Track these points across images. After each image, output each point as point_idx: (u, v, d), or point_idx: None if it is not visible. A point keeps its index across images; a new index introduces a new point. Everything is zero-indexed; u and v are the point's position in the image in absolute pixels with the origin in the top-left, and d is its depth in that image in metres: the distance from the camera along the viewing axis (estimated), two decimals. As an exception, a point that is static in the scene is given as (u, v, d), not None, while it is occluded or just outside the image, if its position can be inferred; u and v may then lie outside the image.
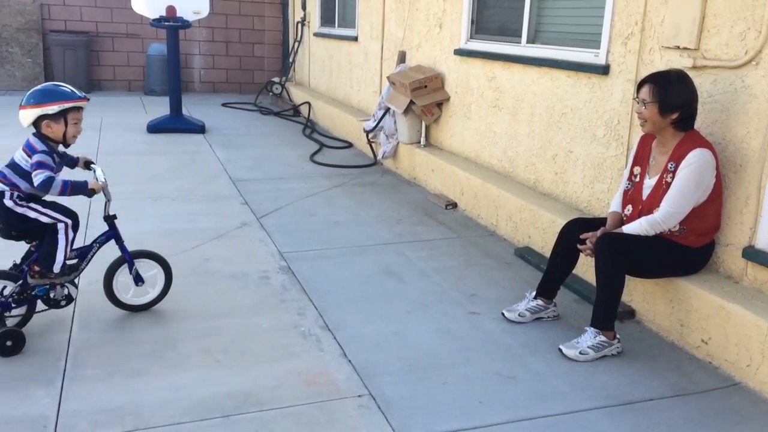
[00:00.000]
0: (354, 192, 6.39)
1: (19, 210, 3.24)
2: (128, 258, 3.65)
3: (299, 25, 11.14)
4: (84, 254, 3.55)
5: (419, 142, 6.76)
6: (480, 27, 6.05)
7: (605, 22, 4.39)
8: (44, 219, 3.32)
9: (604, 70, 4.39)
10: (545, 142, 5.06)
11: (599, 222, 3.72)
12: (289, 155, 7.82)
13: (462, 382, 3.16)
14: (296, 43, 11.30)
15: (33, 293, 3.38)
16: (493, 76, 5.67)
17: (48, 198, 3.38)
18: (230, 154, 7.72)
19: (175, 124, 8.69)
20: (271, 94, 11.47)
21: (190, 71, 12.12)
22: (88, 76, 11.41)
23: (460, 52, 6.13)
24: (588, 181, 4.63)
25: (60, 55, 11.07)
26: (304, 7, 10.99)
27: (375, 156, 7.53)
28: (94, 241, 3.60)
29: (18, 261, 3.48)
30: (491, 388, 3.12)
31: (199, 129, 8.75)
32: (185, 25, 8.46)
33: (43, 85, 3.37)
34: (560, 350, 3.46)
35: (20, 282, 3.33)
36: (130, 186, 6.16)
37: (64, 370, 3.11)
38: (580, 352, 3.41)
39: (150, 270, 3.77)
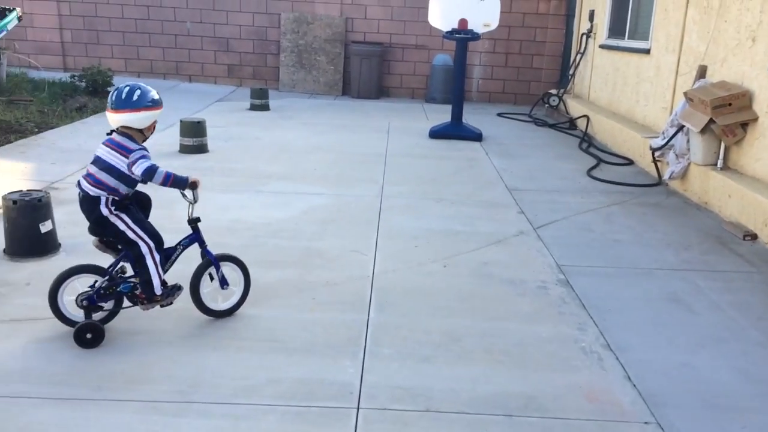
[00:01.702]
0: (635, 211, 6.11)
1: (112, 219, 3.31)
2: (214, 261, 3.61)
3: (584, 36, 10.94)
4: (168, 256, 3.55)
5: (715, 164, 6.22)
6: (805, 40, 5.38)
7: None
8: (130, 233, 3.34)
9: None
10: None
11: None
12: (565, 168, 7.73)
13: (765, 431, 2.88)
14: (578, 55, 11.11)
15: (118, 289, 3.42)
16: (819, 96, 5.01)
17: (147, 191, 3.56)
18: (506, 163, 7.87)
19: (454, 131, 9.11)
20: (547, 105, 11.43)
21: (469, 81, 12.58)
22: (378, 83, 12.47)
23: (776, 69, 5.52)
24: None
25: (357, 63, 12.25)
26: (591, 19, 10.76)
27: (660, 175, 7.11)
28: (178, 244, 3.59)
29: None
30: (802, 444, 2.79)
31: (477, 137, 9.05)
32: (475, 37, 8.82)
33: (141, 86, 3.45)
34: None
35: (107, 277, 3.40)
36: (413, 186, 6.61)
37: (365, 346, 3.47)
38: None
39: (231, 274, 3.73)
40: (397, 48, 12.64)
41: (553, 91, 11.65)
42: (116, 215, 3.33)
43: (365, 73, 12.28)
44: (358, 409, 2.93)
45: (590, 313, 3.98)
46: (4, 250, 4.41)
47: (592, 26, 10.74)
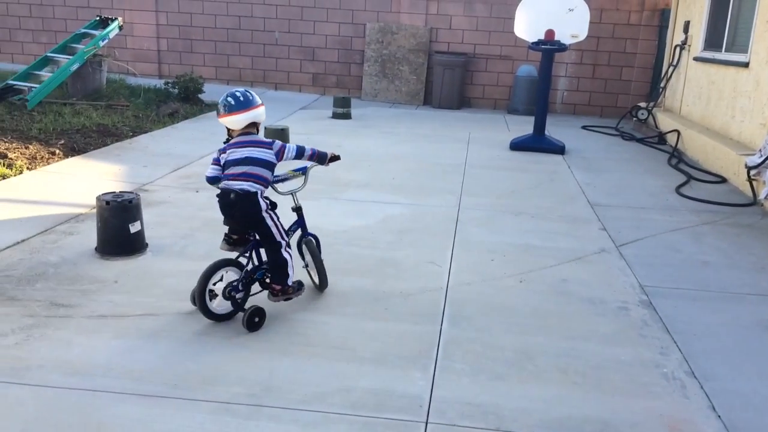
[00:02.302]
0: (726, 232, 5.79)
1: (266, 216, 3.60)
2: (316, 238, 4.12)
3: (677, 48, 10.51)
4: None
5: (818, 185, 5.83)
6: None
7: None
8: (275, 231, 3.64)
9: None
10: None
11: None
12: (652, 184, 7.43)
13: None
14: (671, 68, 10.68)
15: (255, 277, 3.75)
16: None
17: (285, 190, 3.93)
18: (589, 177, 7.64)
19: (536, 143, 8.94)
20: (634, 119, 11.04)
21: (553, 92, 12.33)
22: (460, 94, 12.41)
23: None
24: None
25: (440, 73, 12.24)
26: (686, 30, 10.33)
27: (755, 195, 6.71)
28: (289, 229, 3.90)
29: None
30: None
31: (559, 150, 8.85)
32: (562, 48, 8.64)
33: (244, 89, 3.70)
34: None
35: (245, 270, 3.68)
36: (492, 198, 6.52)
37: (436, 359, 3.43)
38: None
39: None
40: (481, 58, 12.55)
41: (642, 104, 11.25)
42: (269, 214, 3.64)
43: (447, 83, 12.24)
44: (426, 423, 2.89)
45: (674, 338, 3.79)
46: (96, 249, 4.64)
47: (686, 38, 10.31)
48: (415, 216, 5.85)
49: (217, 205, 3.67)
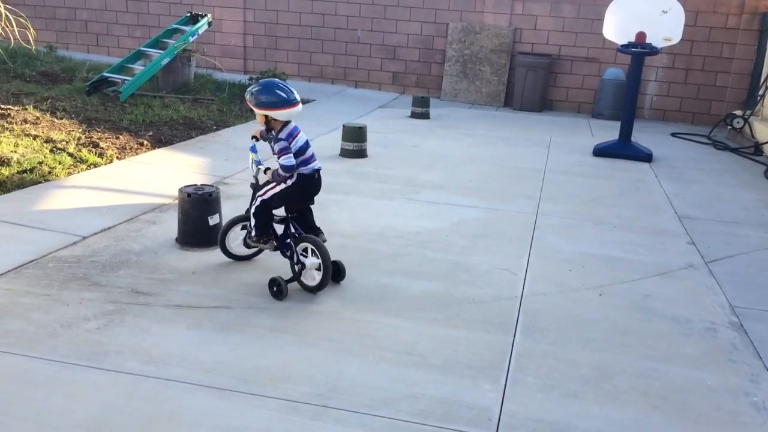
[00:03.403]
0: (829, 253, 5.38)
1: None
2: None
3: (779, 54, 9.88)
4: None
5: None
6: None
7: None
8: None
9: None
10: None
11: None
12: (746, 198, 7.01)
13: None
14: (771, 74, 10.06)
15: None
16: None
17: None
18: (677, 187, 7.28)
19: (622, 149, 8.60)
20: (729, 127, 10.47)
21: (642, 97, 11.84)
22: (543, 96, 12.11)
23: None
24: None
25: (522, 75, 11.99)
26: (789, 35, 9.70)
27: None
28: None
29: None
30: None
31: (646, 157, 8.48)
32: (653, 51, 8.27)
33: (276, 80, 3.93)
34: None
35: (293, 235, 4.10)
36: (572, 206, 6.30)
37: (508, 371, 3.33)
38: None
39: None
40: (566, 60, 12.20)
41: (738, 112, 10.64)
42: None
43: (529, 85, 11.97)
44: (495, 437, 2.80)
45: (766, 364, 3.54)
46: (176, 239, 4.76)
47: (790, 42, 9.67)
48: (491, 221, 5.72)
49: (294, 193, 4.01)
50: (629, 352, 3.60)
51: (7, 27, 9.09)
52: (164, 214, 5.29)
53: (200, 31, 10.65)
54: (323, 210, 5.66)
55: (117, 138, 7.44)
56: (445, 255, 4.85)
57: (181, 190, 4.73)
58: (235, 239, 4.42)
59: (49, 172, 6.02)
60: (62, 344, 3.29)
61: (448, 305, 4.03)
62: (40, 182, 5.80)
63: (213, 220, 4.72)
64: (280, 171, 3.88)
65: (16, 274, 4.04)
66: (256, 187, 4.15)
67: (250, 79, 11.21)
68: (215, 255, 4.55)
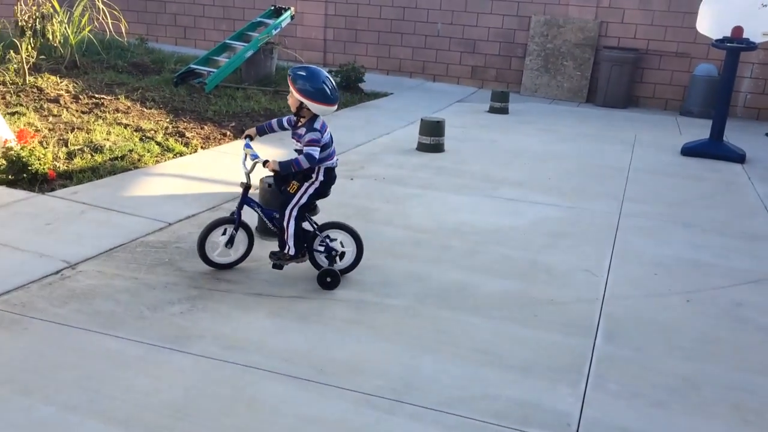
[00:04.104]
0: None
1: None
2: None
3: None
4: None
5: None
6: None
7: None
8: None
9: None
10: None
11: None
12: None
13: None
14: None
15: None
16: None
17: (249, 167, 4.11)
18: (773, 190, 6.88)
19: (713, 149, 8.19)
20: (832, 128, 9.80)
21: (735, 95, 11.23)
22: (628, 92, 11.69)
23: None
24: None
25: (607, 70, 11.60)
26: None
27: None
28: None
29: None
30: None
31: (739, 158, 8.04)
32: (750, 47, 7.82)
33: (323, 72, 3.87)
34: None
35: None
36: (658, 207, 6.04)
37: (588, 375, 3.22)
38: None
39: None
40: (654, 55, 11.73)
41: (843, 112, 9.95)
42: None
43: (614, 80, 11.58)
44: (574, 444, 2.72)
45: None
46: (256, 228, 4.85)
47: None
48: (571, 220, 5.56)
49: (334, 191, 4.10)
50: (719, 363, 3.42)
51: (103, 20, 9.52)
52: (245, 204, 5.41)
53: (283, 24, 10.84)
54: (399, 204, 5.66)
55: (202, 128, 7.66)
56: (523, 253, 4.75)
57: (262, 180, 4.81)
58: (215, 247, 4.07)
59: (139, 160, 6.27)
60: (149, 326, 3.41)
61: (526, 305, 3.95)
62: (130, 169, 6.04)
63: (292, 211, 4.78)
64: (302, 161, 3.79)
65: (107, 256, 4.22)
66: (248, 186, 4.02)
67: (329, 72, 11.33)
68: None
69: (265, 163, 3.81)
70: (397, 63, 13.28)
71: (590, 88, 12.07)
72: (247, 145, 4.03)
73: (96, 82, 9.19)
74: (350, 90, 10.92)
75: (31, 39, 8.18)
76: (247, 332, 3.43)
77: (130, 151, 6.43)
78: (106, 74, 9.77)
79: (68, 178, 5.65)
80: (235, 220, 4.04)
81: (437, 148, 7.65)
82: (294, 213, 3.90)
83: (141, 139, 6.92)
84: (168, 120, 7.86)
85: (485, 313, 3.80)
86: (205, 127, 7.70)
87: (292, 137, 4.00)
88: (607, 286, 4.27)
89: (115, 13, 9.59)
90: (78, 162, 5.99)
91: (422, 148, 7.66)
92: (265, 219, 4.15)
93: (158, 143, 6.84)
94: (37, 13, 8.09)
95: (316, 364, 3.17)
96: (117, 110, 7.95)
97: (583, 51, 11.98)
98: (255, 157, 3.92)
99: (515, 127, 9.43)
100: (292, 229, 3.91)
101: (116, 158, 6.21)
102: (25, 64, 8.32)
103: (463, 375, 3.16)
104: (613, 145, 8.58)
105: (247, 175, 4.02)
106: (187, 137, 7.19)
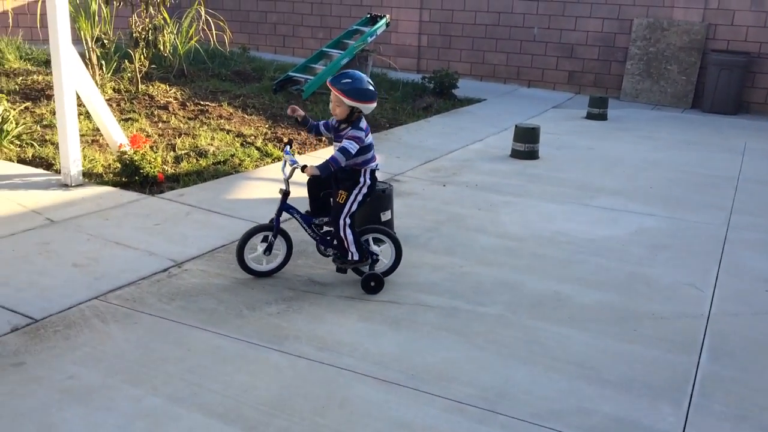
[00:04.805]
0: None
1: None
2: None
3: None
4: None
5: None
6: None
7: None
8: None
9: None
10: None
11: None
12: None
13: None
14: None
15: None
16: None
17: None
18: None
19: (833, 158, 7.62)
20: None
21: None
22: (738, 98, 11.06)
23: None
24: None
25: (714, 74, 11.03)
26: None
27: None
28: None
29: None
30: None
31: None
32: None
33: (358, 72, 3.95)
34: None
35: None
36: (771, 219, 5.70)
37: (691, 395, 3.08)
38: None
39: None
40: (767, 59, 11.05)
41: None
42: None
43: (723, 85, 10.99)
44: (674, 466, 2.60)
45: None
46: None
47: None
48: (674, 231, 5.33)
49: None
50: (838, 389, 3.18)
51: (208, 30, 9.98)
52: (339, 208, 5.52)
53: (378, 32, 10.98)
54: (491, 211, 5.61)
55: (299, 134, 7.88)
56: (622, 265, 4.60)
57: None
58: (253, 251, 4.09)
59: (240, 164, 6.53)
60: (247, 325, 3.55)
61: (625, 318, 3.81)
62: (232, 173, 6.30)
63: (385, 216, 4.84)
64: (338, 157, 3.76)
65: (210, 257, 4.42)
66: (287, 192, 3.99)
67: (423, 78, 11.38)
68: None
69: (303, 168, 3.78)
70: (491, 68, 13.16)
71: (696, 93, 11.52)
72: (287, 152, 4.05)
73: (201, 90, 9.64)
74: (443, 96, 10.92)
75: (144, 49, 8.68)
76: (340, 335, 3.50)
77: (232, 155, 6.71)
78: (210, 82, 10.23)
79: (175, 180, 5.96)
80: (273, 227, 4.04)
81: (531, 155, 7.52)
82: (348, 221, 3.91)
83: (242, 145, 7.20)
84: (267, 126, 8.13)
85: (581, 325, 3.71)
86: (302, 133, 7.92)
87: (336, 141, 3.95)
88: (714, 302, 4.06)
89: (221, 23, 10.02)
90: (184, 166, 6.31)
91: (516, 155, 7.56)
92: (304, 225, 4.06)
93: (258, 148, 7.09)
94: (150, 25, 8.58)
95: (408, 368, 3.20)
96: (220, 116, 8.30)
97: (689, 54, 11.44)
98: (294, 162, 3.90)
99: (614, 133, 9.13)
100: (350, 237, 3.92)
101: (219, 162, 6.49)
102: (138, 73, 8.84)
103: (557, 387, 3.09)
104: (720, 154, 8.14)
105: (286, 181, 3.99)
106: (285, 143, 7.41)
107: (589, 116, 10.16)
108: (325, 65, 10.45)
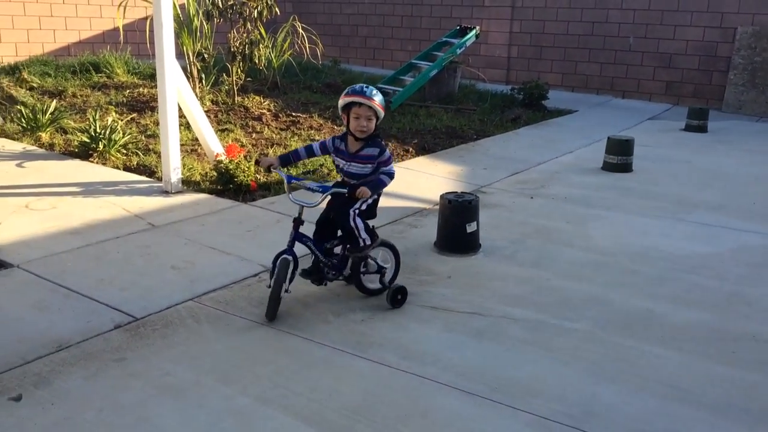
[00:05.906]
0: None
1: None
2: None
3: None
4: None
5: None
6: None
7: None
8: None
9: None
10: None
11: None
12: None
13: None
14: None
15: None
16: None
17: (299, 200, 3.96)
18: None
19: None
20: None
21: None
22: None
23: None
24: None
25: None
26: None
27: None
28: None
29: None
30: None
31: None
32: None
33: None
34: None
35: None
36: None
37: (795, 424, 2.89)
38: None
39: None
40: None
41: None
42: None
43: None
44: (774, 498, 2.45)
45: None
46: (435, 243, 4.96)
47: None
48: (779, 250, 5.03)
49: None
50: None
51: (302, 44, 10.29)
52: (424, 219, 5.55)
53: (468, 44, 10.98)
54: (580, 225, 5.48)
55: (386, 144, 7.98)
56: (720, 283, 4.38)
57: (442, 197, 4.92)
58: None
59: (328, 174, 6.68)
60: (333, 331, 3.63)
61: (722, 340, 3.63)
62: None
63: (471, 227, 4.83)
64: (386, 180, 3.85)
65: (298, 263, 4.55)
66: (301, 222, 3.82)
67: (512, 89, 11.26)
68: (471, 261, 4.65)
69: (352, 189, 3.65)
70: (584, 79, 12.87)
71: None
72: (297, 179, 3.97)
73: (293, 102, 9.94)
74: (533, 107, 10.77)
75: (241, 63, 9.05)
76: (423, 344, 3.52)
77: (321, 165, 6.88)
78: (302, 94, 10.53)
79: (267, 189, 6.17)
80: (292, 255, 3.75)
81: (625, 167, 7.29)
82: (356, 213, 3.81)
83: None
84: (355, 137, 8.28)
85: (673, 345, 3.56)
86: (390, 144, 8.01)
87: (346, 159, 3.86)
88: (822, 327, 3.80)
89: (313, 37, 10.31)
90: (275, 175, 6.50)
91: (608, 167, 7.35)
92: (317, 253, 3.85)
93: (346, 159, 7.24)
94: (247, 40, 8.94)
95: (491, 381, 3.17)
96: (311, 127, 8.53)
97: (799, 63, 10.77)
98: (325, 189, 3.76)
99: (714, 146, 8.72)
100: (360, 223, 3.82)
101: (308, 171, 6.67)
102: (234, 86, 9.22)
103: (647, 408, 2.98)
104: (834, 168, 7.61)
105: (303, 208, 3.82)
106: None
107: (688, 128, 9.75)
108: (414, 77, 10.54)
